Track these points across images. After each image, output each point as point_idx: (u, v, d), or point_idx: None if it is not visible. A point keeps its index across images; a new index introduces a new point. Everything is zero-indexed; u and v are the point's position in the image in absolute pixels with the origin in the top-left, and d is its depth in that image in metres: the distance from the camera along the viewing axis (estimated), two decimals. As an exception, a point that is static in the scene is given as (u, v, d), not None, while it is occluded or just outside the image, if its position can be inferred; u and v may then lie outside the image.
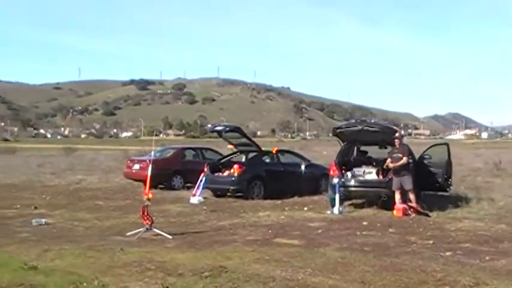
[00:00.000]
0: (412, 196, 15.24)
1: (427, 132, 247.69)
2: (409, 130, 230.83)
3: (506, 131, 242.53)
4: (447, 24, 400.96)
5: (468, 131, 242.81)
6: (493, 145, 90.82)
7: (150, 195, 12.08)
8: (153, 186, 21.31)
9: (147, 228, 11.80)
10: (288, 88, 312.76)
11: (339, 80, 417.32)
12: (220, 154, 23.61)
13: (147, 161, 22.29)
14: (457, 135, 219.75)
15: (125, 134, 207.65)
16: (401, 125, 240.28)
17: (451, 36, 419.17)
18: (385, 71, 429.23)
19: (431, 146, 17.86)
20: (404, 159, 15.37)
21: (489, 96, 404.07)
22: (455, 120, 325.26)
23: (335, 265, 9.13)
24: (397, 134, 16.26)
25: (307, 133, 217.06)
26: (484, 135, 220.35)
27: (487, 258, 9.78)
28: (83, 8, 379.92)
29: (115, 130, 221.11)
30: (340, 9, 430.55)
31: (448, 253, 10.20)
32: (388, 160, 15.72)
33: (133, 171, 23.42)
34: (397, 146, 15.72)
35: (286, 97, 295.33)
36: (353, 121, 18.21)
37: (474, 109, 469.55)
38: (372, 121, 18.26)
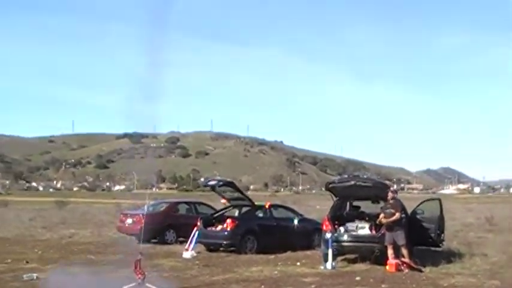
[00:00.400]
0: (405, 251, 15.26)
1: (420, 186, 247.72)
2: (402, 184, 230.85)
3: (499, 186, 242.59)
4: (439, 80, 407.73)
5: (461, 186, 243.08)
6: (486, 200, 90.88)
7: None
8: (146, 240, 21.33)
9: (139, 283, 11.75)
10: (281, 142, 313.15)
11: (331, 134, 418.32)
12: (214, 208, 23.63)
13: (140, 215, 22.29)
14: (450, 189, 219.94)
15: (117, 187, 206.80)
16: (394, 180, 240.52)
17: (443, 92, 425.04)
18: (378, 125, 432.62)
19: (423, 201, 17.93)
20: (397, 214, 15.44)
21: (481, 151, 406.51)
22: (448, 175, 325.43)
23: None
24: (391, 189, 16.42)
25: (300, 187, 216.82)
26: (477, 190, 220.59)
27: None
28: (76, 60, 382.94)
29: (108, 183, 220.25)
30: (332, 65, 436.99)
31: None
32: (381, 215, 15.79)
33: (126, 225, 23.36)
34: (390, 201, 15.81)
35: (279, 151, 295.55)
36: (345, 176, 18.45)
37: (466, 164, 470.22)
38: (364, 176, 18.43)
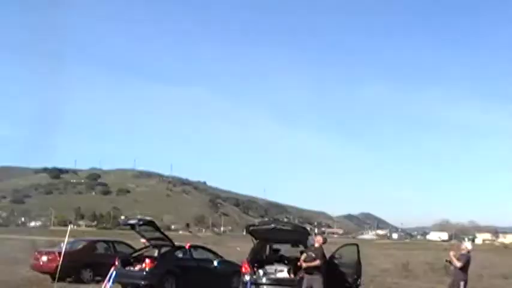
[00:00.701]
0: (322, 295, 15.41)
1: (340, 231, 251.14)
2: (323, 229, 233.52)
3: (415, 233, 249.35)
4: (361, 128, 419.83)
5: (379, 232, 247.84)
6: (403, 246, 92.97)
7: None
8: (61, 278, 20.75)
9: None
10: (204, 183, 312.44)
11: (255, 176, 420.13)
12: (133, 248, 23.29)
13: (56, 253, 21.70)
14: (369, 235, 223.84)
15: (33, 224, 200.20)
16: (315, 223, 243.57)
17: (365, 141, 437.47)
18: (301, 169, 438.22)
19: (342, 246, 18.24)
20: (318, 261, 15.58)
21: (400, 198, 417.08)
22: (368, 220, 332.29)
23: None
24: (323, 236, 16.77)
25: (222, 228, 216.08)
26: (395, 236, 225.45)
27: None
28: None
29: (23, 219, 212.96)
30: (257, 108, 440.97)
31: None
32: (303, 256, 15.93)
33: (41, 263, 22.66)
34: (315, 246, 16.02)
35: (202, 191, 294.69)
36: (266, 220, 18.62)
37: (385, 210, 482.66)
38: (285, 220, 18.68)
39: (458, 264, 14.82)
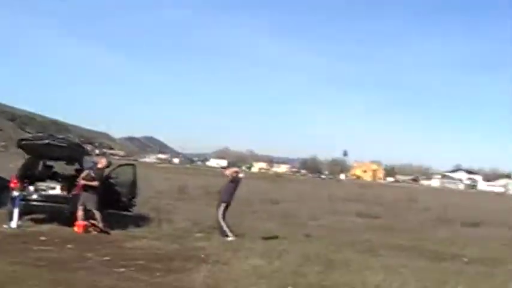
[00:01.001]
0: (94, 214, 15.36)
1: (122, 153, 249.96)
2: (104, 150, 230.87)
3: (196, 159, 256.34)
4: (150, 50, 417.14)
5: (161, 156, 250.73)
6: (183, 171, 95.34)
7: None
8: None
9: None
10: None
11: (35, 91, 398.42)
12: None
13: None
14: (150, 158, 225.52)
15: None
16: (96, 144, 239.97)
17: (154, 63, 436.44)
18: (85, 87, 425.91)
19: (118, 166, 18.20)
20: (95, 182, 15.47)
21: (182, 124, 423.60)
22: (150, 144, 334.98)
23: (5, 279, 8.87)
24: (102, 161, 16.46)
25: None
26: (176, 160, 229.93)
27: (158, 274, 10.35)
28: None
29: None
30: (46, 17, 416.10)
31: (121, 269, 10.55)
32: (83, 174, 15.68)
33: None
34: (98, 167, 15.86)
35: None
36: (40, 134, 17.90)
37: (168, 135, 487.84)
38: (60, 136, 18.03)
39: (227, 172, 15.96)
